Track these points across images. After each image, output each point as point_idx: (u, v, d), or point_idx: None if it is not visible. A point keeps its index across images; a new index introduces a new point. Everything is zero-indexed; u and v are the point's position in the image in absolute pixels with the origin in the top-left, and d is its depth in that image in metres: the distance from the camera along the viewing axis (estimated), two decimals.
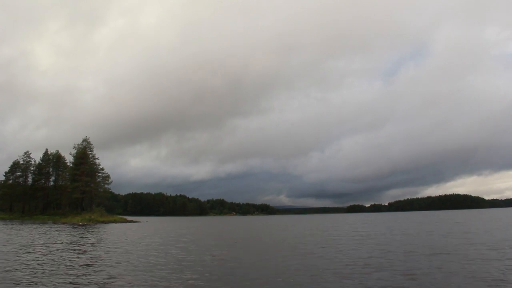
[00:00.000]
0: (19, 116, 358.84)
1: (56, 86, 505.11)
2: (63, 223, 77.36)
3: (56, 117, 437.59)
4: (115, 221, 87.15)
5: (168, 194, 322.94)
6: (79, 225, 71.55)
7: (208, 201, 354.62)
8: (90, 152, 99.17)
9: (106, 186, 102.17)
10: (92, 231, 50.63)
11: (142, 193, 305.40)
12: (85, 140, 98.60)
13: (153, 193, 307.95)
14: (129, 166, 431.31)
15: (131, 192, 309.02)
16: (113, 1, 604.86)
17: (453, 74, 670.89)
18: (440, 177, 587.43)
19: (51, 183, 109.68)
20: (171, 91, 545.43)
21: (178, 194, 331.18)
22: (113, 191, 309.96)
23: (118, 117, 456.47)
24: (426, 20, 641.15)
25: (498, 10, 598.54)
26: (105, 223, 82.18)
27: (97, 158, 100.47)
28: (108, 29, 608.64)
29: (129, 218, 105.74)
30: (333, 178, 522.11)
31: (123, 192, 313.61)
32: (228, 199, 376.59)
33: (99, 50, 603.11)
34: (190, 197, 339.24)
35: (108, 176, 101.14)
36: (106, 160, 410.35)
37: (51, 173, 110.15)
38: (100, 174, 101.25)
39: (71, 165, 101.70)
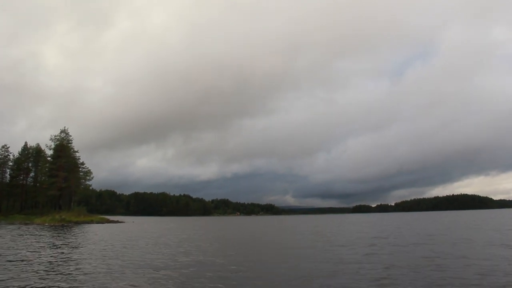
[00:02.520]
0: (27, 116, 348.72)
1: (63, 87, 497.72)
2: (26, 224, 64.85)
3: (64, 117, 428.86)
4: (91, 221, 74.51)
5: (174, 194, 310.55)
6: (49, 226, 59.32)
7: (212, 201, 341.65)
8: (69, 145, 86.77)
9: (87, 182, 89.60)
10: (41, 235, 38.08)
11: (145, 193, 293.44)
12: (63, 131, 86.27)
13: (156, 193, 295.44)
14: (136, 166, 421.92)
15: (134, 192, 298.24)
16: (121, 3, 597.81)
17: (460, 74, 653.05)
18: (447, 177, 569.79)
19: (31, 179, 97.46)
20: (178, 91, 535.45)
21: (182, 194, 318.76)
22: (116, 191, 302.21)
23: (125, 117, 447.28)
24: (432, 20, 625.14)
25: (504, 10, 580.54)
26: (79, 223, 69.58)
27: (77, 151, 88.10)
28: (115, 30, 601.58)
29: (112, 218, 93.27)
30: (339, 179, 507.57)
31: (129, 192, 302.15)
32: (234, 199, 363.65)
33: (106, 51, 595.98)
34: (196, 197, 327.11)
35: (89, 171, 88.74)
36: (112, 160, 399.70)
37: (31, 168, 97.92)
38: (80, 169, 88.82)
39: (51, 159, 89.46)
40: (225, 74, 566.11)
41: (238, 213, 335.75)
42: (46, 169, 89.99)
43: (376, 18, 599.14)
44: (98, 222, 74.53)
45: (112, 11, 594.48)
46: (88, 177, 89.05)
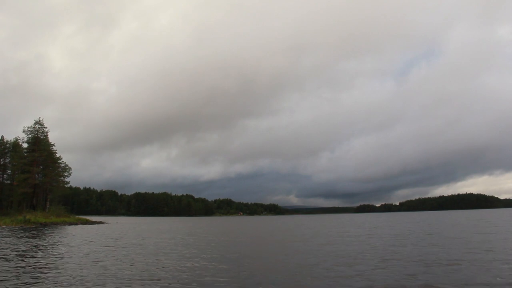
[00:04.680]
0: (32, 117, 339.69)
1: (69, 88, 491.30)
2: None
3: (69, 118, 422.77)
4: (64, 223, 63.74)
5: (179, 194, 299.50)
6: (6, 228, 48.80)
7: (215, 201, 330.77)
8: (44, 138, 76.26)
9: (65, 179, 78.94)
10: None
11: (146, 193, 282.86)
12: (37, 123, 75.77)
13: (157, 193, 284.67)
14: (140, 166, 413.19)
15: (136, 192, 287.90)
16: (127, 4, 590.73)
17: (465, 74, 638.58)
18: (451, 176, 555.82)
19: (8, 176, 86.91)
20: (183, 92, 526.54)
21: (185, 194, 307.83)
22: (118, 191, 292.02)
23: (129, 118, 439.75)
24: (438, 20, 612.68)
25: (509, 9, 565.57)
26: (46, 225, 58.80)
27: (53, 145, 77.52)
28: (121, 31, 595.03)
29: (94, 218, 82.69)
30: (342, 178, 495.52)
31: (133, 192, 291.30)
32: (238, 199, 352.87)
33: (112, 52, 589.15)
34: (200, 197, 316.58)
35: (66, 167, 78.13)
36: (117, 161, 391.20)
37: (8, 164, 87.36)
38: (58, 165, 78.29)
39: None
40: (230, 74, 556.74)
41: (241, 213, 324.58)
42: (22, 164, 79.48)
43: (380, 19, 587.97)
44: (71, 224, 63.81)
45: (118, 12, 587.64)
46: (66, 173, 78.44)
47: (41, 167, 77.36)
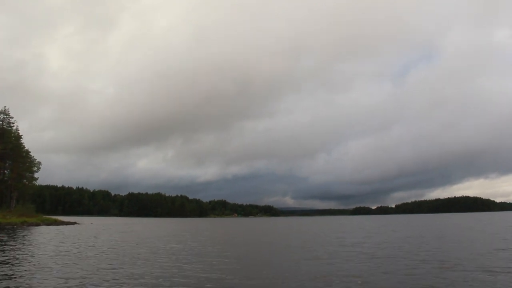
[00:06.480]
0: (30, 117, 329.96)
1: (66, 88, 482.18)
2: None
3: (66, 118, 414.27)
4: (23, 224, 55.21)
5: (170, 195, 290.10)
6: None
7: (210, 202, 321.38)
8: (10, 129, 67.78)
9: (33, 175, 70.24)
10: None
11: (139, 194, 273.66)
12: (2, 112, 67.30)
13: (150, 193, 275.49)
14: (137, 167, 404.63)
15: (129, 193, 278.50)
16: (126, 5, 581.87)
17: (462, 77, 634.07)
18: (447, 179, 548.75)
19: None
20: (180, 93, 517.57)
21: (179, 195, 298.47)
22: (112, 191, 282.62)
23: (127, 119, 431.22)
24: (435, 23, 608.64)
25: (506, 13, 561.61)
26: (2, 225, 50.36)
27: (21, 137, 69.01)
28: (119, 32, 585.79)
29: (69, 219, 74.08)
30: (339, 180, 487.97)
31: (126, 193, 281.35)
32: (234, 201, 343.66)
33: (109, 52, 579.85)
34: (196, 198, 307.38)
35: (34, 162, 69.55)
36: (113, 162, 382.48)
37: None
38: (29, 160, 69.83)
39: None
40: (227, 76, 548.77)
41: (235, 215, 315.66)
42: None
43: (378, 21, 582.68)
44: (30, 225, 55.30)
45: (117, 13, 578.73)
46: (35, 169, 69.78)
47: (8, 162, 68.96)
